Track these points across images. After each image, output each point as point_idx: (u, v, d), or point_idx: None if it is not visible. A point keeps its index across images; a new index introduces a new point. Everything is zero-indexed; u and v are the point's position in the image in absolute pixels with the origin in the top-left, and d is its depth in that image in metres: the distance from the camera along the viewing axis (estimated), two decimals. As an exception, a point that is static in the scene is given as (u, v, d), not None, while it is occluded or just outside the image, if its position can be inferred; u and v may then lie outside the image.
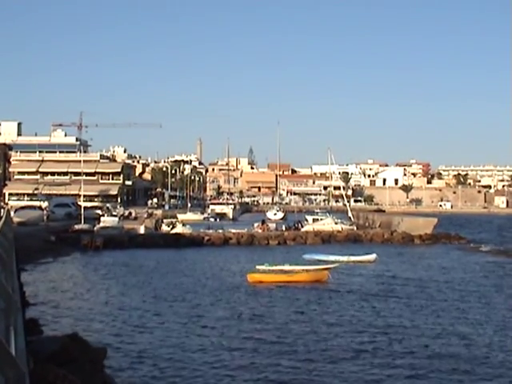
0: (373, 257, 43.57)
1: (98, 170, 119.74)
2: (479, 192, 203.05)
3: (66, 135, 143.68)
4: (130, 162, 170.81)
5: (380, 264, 41.67)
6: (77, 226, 56.52)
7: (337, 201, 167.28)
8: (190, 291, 30.05)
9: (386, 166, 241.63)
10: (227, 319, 23.42)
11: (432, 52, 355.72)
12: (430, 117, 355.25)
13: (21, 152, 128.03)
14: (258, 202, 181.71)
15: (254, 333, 21.19)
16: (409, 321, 23.20)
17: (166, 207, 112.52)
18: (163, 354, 18.56)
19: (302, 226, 65.53)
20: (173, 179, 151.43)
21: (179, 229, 61.09)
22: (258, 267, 34.71)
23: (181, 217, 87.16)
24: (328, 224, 65.53)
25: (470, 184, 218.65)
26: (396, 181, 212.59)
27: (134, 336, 20.67)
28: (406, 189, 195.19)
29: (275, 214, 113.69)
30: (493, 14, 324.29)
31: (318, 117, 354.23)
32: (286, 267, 34.54)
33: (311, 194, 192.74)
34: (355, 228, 66.32)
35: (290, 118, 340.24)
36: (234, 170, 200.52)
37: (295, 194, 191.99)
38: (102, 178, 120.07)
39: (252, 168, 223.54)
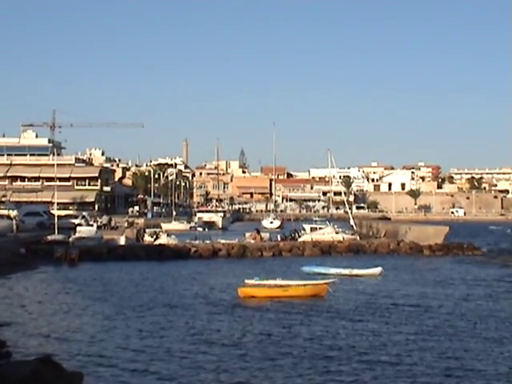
0: (378, 270, 43.59)
1: (72, 175, 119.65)
2: (495, 197, 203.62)
3: (37, 136, 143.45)
4: (108, 165, 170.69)
5: (385, 278, 41.67)
6: (49, 237, 56.32)
7: (337, 208, 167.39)
8: (175, 307, 29.99)
9: (392, 169, 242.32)
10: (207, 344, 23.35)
11: (443, 46, 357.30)
12: (440, 115, 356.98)
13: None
14: (250, 209, 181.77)
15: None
16: (418, 358, 20.96)
17: (149, 215, 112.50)
18: (144, 379, 18.52)
19: (299, 236, 65.53)
20: (156, 184, 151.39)
21: (163, 239, 60.99)
22: (247, 281, 34.69)
23: (165, 226, 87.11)
24: (328, 233, 65.52)
25: (484, 189, 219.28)
26: (403, 185, 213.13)
27: (112, 359, 20.60)
28: (414, 194, 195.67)
29: (271, 223, 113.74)
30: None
31: (316, 115, 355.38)
32: (279, 281, 34.51)
33: (309, 201, 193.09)
34: (358, 238, 66.37)
35: (286, 116, 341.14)
36: (223, 174, 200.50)
37: (291, 200, 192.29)
38: (77, 184, 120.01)
39: (244, 172, 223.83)
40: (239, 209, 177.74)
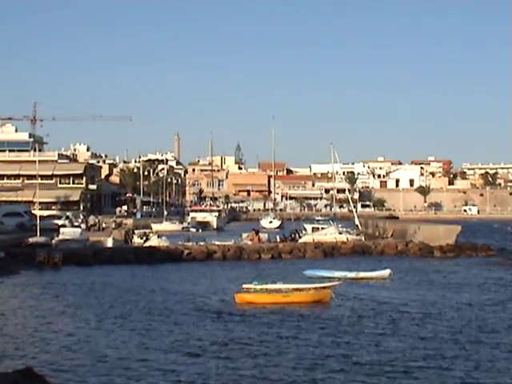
0: (386, 273, 43.59)
1: (56, 172, 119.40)
2: (511, 194, 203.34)
3: (16, 131, 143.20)
4: (94, 162, 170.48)
5: (394, 282, 41.63)
6: (31, 239, 56.19)
7: (341, 206, 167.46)
8: (163, 315, 29.93)
9: (400, 164, 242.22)
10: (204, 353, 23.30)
11: (455, 36, 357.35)
12: (451, 106, 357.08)
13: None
14: (247, 208, 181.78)
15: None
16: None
17: (138, 215, 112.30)
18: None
19: (300, 237, 65.50)
20: (146, 182, 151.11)
21: (154, 241, 60.96)
22: (245, 286, 34.64)
23: (155, 227, 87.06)
24: (331, 234, 65.52)
25: (499, 185, 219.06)
26: (411, 182, 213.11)
27: (97, 370, 20.57)
28: (424, 191, 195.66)
29: (270, 223, 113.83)
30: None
31: (318, 107, 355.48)
32: (280, 286, 34.48)
33: (310, 199, 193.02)
34: (363, 238, 66.34)
35: (285, 108, 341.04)
36: (218, 170, 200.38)
37: (291, 198, 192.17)
38: (60, 182, 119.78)
39: (240, 168, 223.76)
40: (235, 208, 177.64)
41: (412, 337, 25.36)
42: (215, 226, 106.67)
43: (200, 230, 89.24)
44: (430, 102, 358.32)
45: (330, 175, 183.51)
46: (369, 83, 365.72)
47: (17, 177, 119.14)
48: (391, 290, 38.14)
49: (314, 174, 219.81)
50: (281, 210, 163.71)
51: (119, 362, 21.76)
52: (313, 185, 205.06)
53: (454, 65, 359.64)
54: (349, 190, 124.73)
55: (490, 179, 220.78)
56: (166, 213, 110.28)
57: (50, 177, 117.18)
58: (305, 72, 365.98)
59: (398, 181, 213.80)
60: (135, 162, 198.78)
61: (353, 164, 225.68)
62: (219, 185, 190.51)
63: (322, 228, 69.85)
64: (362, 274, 43.32)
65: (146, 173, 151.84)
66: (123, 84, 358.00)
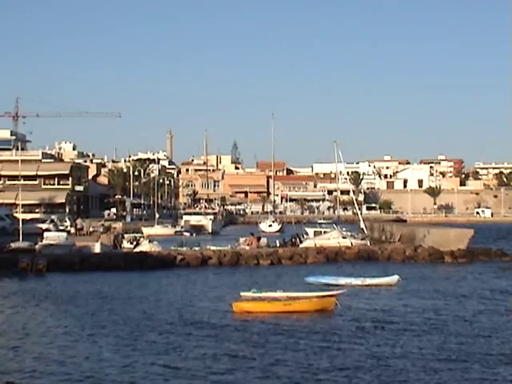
0: (394, 279, 43.57)
1: (39, 173, 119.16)
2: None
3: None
4: (80, 161, 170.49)
5: (402, 289, 41.57)
6: (13, 245, 56.18)
7: (345, 208, 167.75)
8: (155, 325, 29.87)
9: (408, 163, 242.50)
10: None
11: (469, 30, 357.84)
12: (462, 102, 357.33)
13: None
14: (244, 210, 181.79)
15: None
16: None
17: (128, 219, 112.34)
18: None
19: (301, 241, 65.47)
20: (136, 183, 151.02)
21: (144, 246, 60.88)
22: (243, 294, 34.56)
23: (146, 231, 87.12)
24: (334, 238, 65.48)
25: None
26: (420, 182, 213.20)
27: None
28: (433, 192, 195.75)
29: (270, 226, 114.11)
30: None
31: (320, 103, 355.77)
32: (281, 294, 34.45)
33: (312, 201, 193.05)
34: (368, 243, 66.31)
35: (286, 104, 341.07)
36: (213, 170, 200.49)
37: (292, 200, 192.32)
38: (44, 183, 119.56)
39: (237, 168, 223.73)
40: (232, 210, 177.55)
41: (416, 353, 25.11)
42: (210, 230, 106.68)
43: (194, 235, 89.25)
44: (440, 97, 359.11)
45: (333, 175, 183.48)
46: (375, 78, 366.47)
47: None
48: (399, 299, 38.05)
49: (316, 174, 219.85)
50: (280, 212, 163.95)
51: (97, 374, 21.83)
52: (315, 186, 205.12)
53: (466, 59, 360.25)
54: (353, 192, 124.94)
55: (505, 179, 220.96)
56: (157, 216, 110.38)
57: (34, 177, 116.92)
58: (306, 66, 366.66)
59: (405, 181, 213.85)
60: (125, 161, 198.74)
61: (358, 163, 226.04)
62: (215, 186, 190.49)
63: (325, 232, 69.79)
64: (368, 281, 43.27)
65: (136, 173, 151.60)
66: (112, 78, 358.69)
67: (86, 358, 24.11)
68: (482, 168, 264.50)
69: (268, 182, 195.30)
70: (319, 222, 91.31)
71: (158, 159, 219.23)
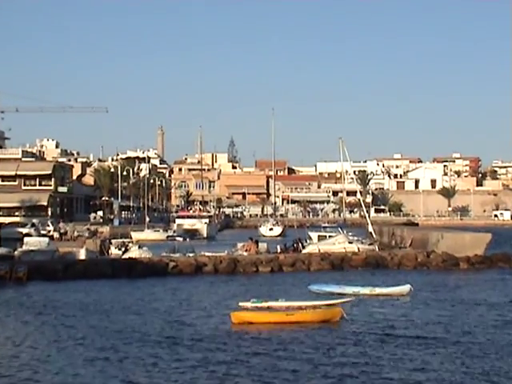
0: (406, 288, 43.45)
1: (19, 172, 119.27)
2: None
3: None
4: (64, 160, 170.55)
5: (415, 299, 41.49)
6: (-10, 251, 56.18)
7: (351, 211, 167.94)
8: (144, 339, 29.81)
9: (420, 162, 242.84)
10: None
11: (482, 21, 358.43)
12: (478, 96, 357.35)
13: None
14: (242, 213, 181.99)
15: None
16: None
17: (116, 222, 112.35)
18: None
19: (304, 247, 65.44)
20: (124, 184, 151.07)
21: (134, 252, 60.92)
22: (241, 304, 34.52)
23: (136, 236, 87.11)
24: (339, 243, 65.47)
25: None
26: (433, 182, 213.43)
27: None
28: (448, 193, 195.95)
29: (271, 230, 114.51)
30: None
31: (324, 98, 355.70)
32: (283, 303, 34.41)
33: (316, 202, 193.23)
34: (377, 248, 66.29)
35: (286, 98, 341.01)
36: (208, 170, 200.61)
37: (294, 202, 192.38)
38: (25, 184, 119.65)
39: (234, 167, 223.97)
40: (229, 213, 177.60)
41: (429, 369, 24.89)
42: (205, 235, 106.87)
43: (188, 240, 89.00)
44: (454, 90, 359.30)
45: (338, 175, 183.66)
46: (383, 70, 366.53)
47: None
48: (411, 309, 37.93)
49: (320, 173, 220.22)
50: (281, 215, 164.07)
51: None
52: (318, 186, 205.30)
53: (482, 51, 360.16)
54: (360, 193, 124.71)
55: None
56: (147, 219, 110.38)
57: (13, 177, 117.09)
58: (309, 57, 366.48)
59: (417, 181, 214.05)
60: (112, 160, 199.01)
61: (365, 162, 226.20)
62: (210, 186, 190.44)
63: (330, 236, 69.72)
64: (377, 290, 43.16)
65: (124, 173, 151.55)
66: (98, 70, 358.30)
67: (56, 374, 24.11)
68: (500, 167, 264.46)
69: (268, 182, 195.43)
70: (323, 225, 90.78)
71: (149, 158, 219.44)
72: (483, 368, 24.71)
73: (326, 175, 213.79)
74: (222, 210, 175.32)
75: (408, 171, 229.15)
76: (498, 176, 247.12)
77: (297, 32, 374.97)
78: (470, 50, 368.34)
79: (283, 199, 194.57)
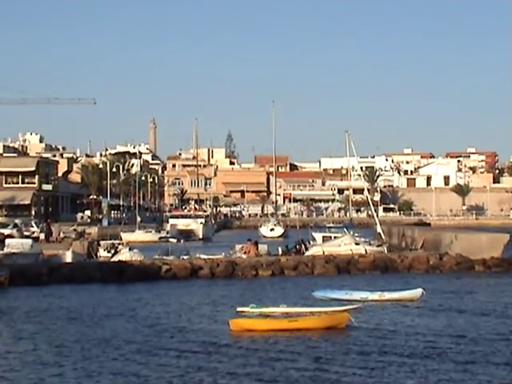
0: (417, 293, 43.41)
1: (0, 169, 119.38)
2: None
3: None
4: (49, 155, 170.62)
5: (427, 304, 41.44)
6: (-30, 253, 56.15)
7: (358, 210, 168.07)
8: (134, 349, 29.78)
9: (432, 157, 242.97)
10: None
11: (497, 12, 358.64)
12: (495, 86, 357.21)
13: None
14: (240, 213, 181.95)
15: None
16: None
17: (105, 223, 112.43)
18: None
19: (307, 248, 65.45)
20: (114, 181, 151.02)
21: (124, 255, 60.85)
22: (240, 309, 34.52)
23: (126, 237, 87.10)
24: (345, 244, 65.41)
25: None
26: (446, 179, 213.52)
27: None
28: (462, 191, 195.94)
29: (272, 230, 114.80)
30: None
31: (328, 89, 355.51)
32: (285, 309, 34.42)
33: (320, 201, 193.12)
34: (386, 250, 66.29)
35: (287, 90, 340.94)
36: (204, 166, 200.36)
37: (296, 200, 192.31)
38: (6, 181, 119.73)
39: (232, 163, 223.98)
40: (226, 213, 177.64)
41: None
42: (201, 236, 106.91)
43: (182, 241, 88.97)
44: (469, 81, 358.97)
45: (344, 172, 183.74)
46: (393, 59, 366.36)
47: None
48: (423, 316, 37.87)
49: (325, 170, 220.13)
50: (283, 215, 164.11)
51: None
52: (323, 184, 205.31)
53: (498, 41, 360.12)
54: (368, 190, 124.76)
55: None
56: (139, 219, 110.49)
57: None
58: (313, 45, 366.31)
59: (429, 178, 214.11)
60: (101, 155, 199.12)
61: (373, 157, 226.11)
62: (206, 184, 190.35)
63: (335, 237, 69.81)
64: (387, 295, 43.10)
65: (114, 169, 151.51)
66: (85, 58, 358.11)
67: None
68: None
69: (268, 179, 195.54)
70: (328, 225, 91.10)
71: (140, 153, 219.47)
72: (500, 379, 24.72)
73: (331, 172, 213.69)
74: (218, 209, 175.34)
75: (419, 167, 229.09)
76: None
77: (299, 18, 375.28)
78: (485, 39, 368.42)
79: (285, 197, 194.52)
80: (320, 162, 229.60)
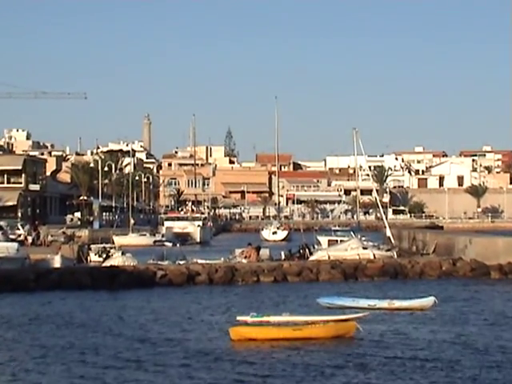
0: (429, 302, 43.34)
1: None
2: None
3: None
4: (36, 153, 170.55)
5: (440, 314, 41.36)
6: (-50, 258, 56.19)
7: (366, 212, 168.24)
8: (128, 357, 29.79)
9: (445, 156, 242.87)
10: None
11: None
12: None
13: None
14: (241, 215, 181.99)
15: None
16: None
17: (96, 225, 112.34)
18: None
19: (311, 253, 65.46)
20: (106, 181, 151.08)
21: (116, 259, 60.92)
22: (240, 318, 34.52)
23: (119, 240, 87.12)
24: (352, 249, 65.44)
25: None
26: (460, 179, 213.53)
27: None
28: (477, 192, 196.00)
29: (274, 234, 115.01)
30: None
31: (335, 84, 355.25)
32: (288, 317, 34.38)
33: (325, 202, 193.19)
34: (395, 255, 66.32)
35: (291, 85, 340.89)
36: (202, 165, 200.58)
37: (300, 201, 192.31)
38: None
39: (231, 162, 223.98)
40: (225, 215, 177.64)
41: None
42: (198, 240, 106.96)
43: (178, 245, 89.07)
44: (483, 74, 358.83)
45: (351, 171, 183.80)
46: (402, 52, 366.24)
47: None
48: (436, 326, 37.66)
49: (331, 169, 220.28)
50: (286, 217, 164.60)
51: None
52: (329, 184, 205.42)
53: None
54: (377, 191, 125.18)
55: None
56: (132, 222, 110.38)
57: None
58: (317, 38, 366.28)
59: (442, 178, 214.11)
60: (92, 153, 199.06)
61: (382, 156, 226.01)
62: (204, 184, 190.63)
63: (341, 241, 69.80)
64: (397, 304, 43.06)
65: (106, 168, 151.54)
66: (76, 50, 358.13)
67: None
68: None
69: (270, 179, 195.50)
70: (334, 228, 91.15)
71: (134, 151, 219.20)
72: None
73: (337, 171, 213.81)
74: (217, 210, 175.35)
75: (431, 167, 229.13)
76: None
77: (306, 5, 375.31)
78: (504, 31, 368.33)
79: (288, 199, 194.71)
80: (325, 161, 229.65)
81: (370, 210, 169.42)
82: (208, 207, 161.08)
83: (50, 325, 38.47)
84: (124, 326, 37.83)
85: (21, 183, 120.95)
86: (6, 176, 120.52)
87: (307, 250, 66.26)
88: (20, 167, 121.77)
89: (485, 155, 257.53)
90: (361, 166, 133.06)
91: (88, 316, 41.12)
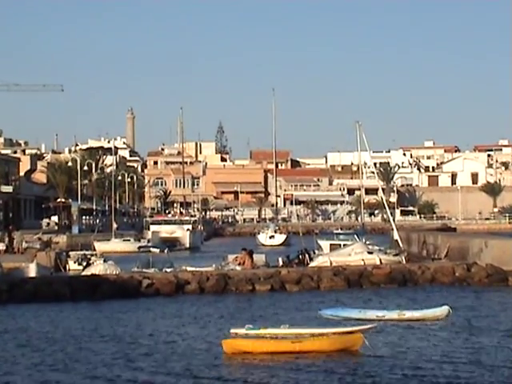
0: (443, 311, 43.28)
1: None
2: None
3: None
4: (9, 152, 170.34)
5: (454, 325, 41.30)
6: None
7: (371, 213, 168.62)
8: (109, 376, 29.68)
9: (457, 151, 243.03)
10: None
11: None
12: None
13: None
14: (234, 217, 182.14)
15: None
16: None
17: (75, 230, 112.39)
18: None
19: (311, 259, 65.47)
20: (86, 181, 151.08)
21: (98, 267, 60.86)
22: (233, 331, 34.47)
23: (100, 246, 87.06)
24: (356, 253, 65.50)
25: None
26: (474, 176, 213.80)
27: None
28: (493, 190, 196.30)
29: (271, 238, 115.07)
30: None
31: (336, 74, 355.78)
32: (286, 330, 34.31)
33: (327, 203, 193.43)
34: (404, 260, 66.33)
35: (289, 76, 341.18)
36: (191, 163, 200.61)
37: (299, 202, 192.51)
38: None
39: (223, 159, 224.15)
40: (217, 217, 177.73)
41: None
42: (188, 245, 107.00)
43: (166, 251, 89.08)
44: (497, 64, 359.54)
45: (354, 168, 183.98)
46: (409, 40, 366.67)
47: None
48: (451, 338, 37.42)
49: (332, 166, 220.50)
50: (284, 219, 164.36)
51: None
52: (330, 183, 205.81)
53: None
54: (383, 190, 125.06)
55: None
56: (115, 226, 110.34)
57: None
58: (317, 27, 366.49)
59: (454, 175, 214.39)
60: (70, 151, 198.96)
61: (388, 152, 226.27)
62: (193, 184, 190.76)
63: (345, 245, 69.89)
64: (407, 314, 42.92)
65: (85, 168, 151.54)
66: (51, 38, 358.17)
67: None
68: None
69: (266, 178, 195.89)
70: (336, 231, 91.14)
71: (116, 148, 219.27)
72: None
73: (340, 169, 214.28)
74: (208, 213, 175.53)
75: (442, 163, 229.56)
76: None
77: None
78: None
79: (286, 199, 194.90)
80: (326, 158, 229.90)
81: (376, 211, 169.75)
82: (198, 209, 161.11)
83: (20, 340, 38.15)
84: (105, 341, 37.67)
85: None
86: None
87: (307, 256, 66.28)
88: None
89: (501, 150, 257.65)
90: (365, 163, 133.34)
91: (62, 331, 40.97)
